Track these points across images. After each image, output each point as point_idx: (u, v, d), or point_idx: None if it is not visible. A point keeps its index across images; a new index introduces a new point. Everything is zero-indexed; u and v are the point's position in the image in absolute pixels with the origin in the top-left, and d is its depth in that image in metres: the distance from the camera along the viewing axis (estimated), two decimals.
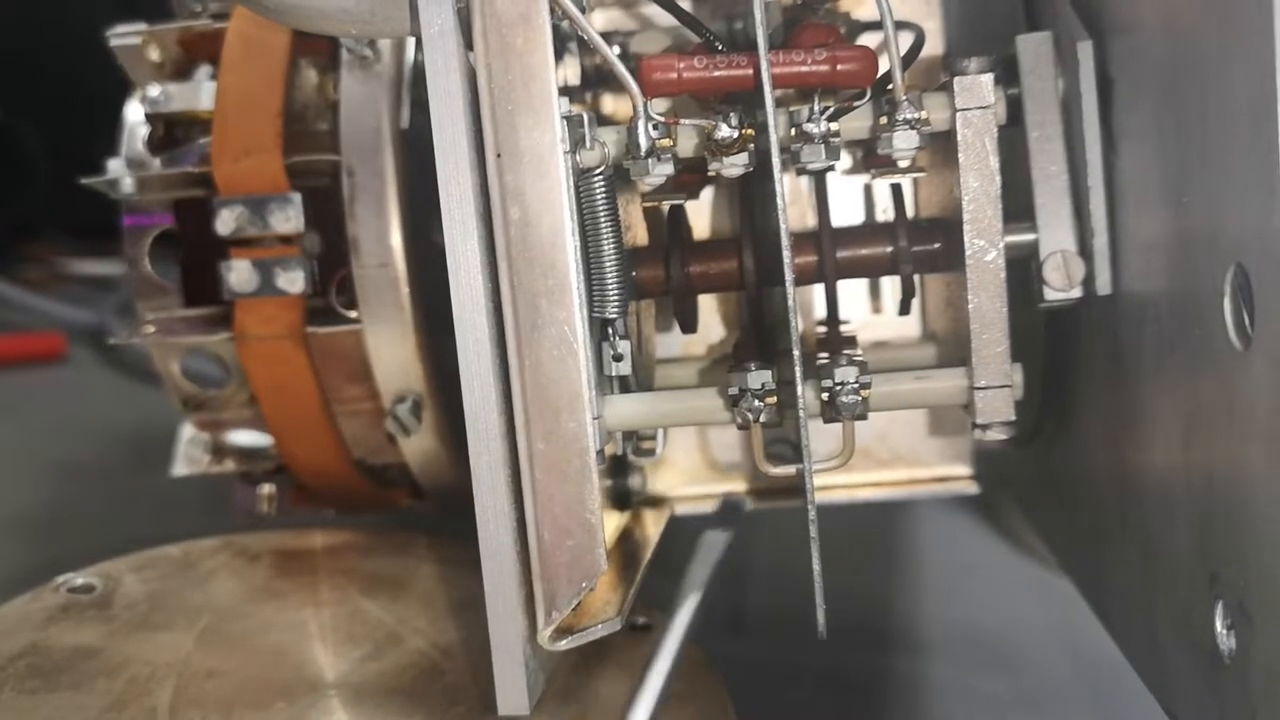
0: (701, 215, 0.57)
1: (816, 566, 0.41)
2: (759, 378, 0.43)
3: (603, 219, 0.43)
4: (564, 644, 0.42)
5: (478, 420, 0.41)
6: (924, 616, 0.68)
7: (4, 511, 0.79)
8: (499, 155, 0.40)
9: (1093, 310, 0.46)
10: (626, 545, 0.54)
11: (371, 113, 0.52)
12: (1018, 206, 0.47)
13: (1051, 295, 0.45)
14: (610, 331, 0.45)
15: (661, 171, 0.43)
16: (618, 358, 0.45)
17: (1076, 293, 0.45)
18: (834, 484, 0.59)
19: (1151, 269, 0.41)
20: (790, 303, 0.41)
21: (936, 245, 0.48)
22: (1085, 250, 0.45)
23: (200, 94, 0.56)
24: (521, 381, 0.41)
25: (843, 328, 0.52)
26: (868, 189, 0.57)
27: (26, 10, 1.31)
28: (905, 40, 0.50)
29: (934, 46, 0.57)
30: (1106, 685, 0.59)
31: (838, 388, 0.43)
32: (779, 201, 0.40)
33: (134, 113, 0.59)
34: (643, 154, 0.42)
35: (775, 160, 0.40)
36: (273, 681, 0.47)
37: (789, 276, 0.41)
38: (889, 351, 0.55)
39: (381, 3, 0.41)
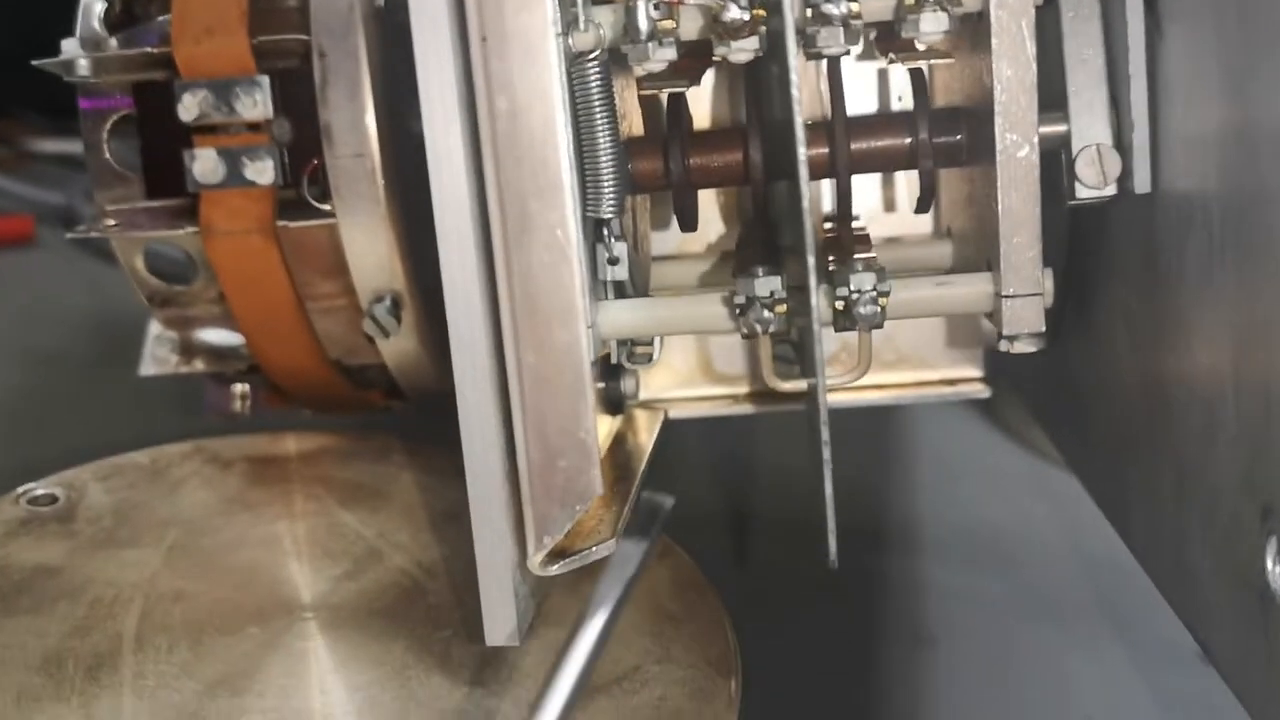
0: (702, 102, 0.53)
1: (828, 490, 0.38)
2: (767, 284, 0.40)
3: (597, 109, 0.39)
4: (556, 569, 0.40)
5: (462, 331, 0.38)
6: (923, 516, 0.66)
7: None
8: (484, 39, 0.36)
9: (1125, 209, 0.42)
10: (619, 454, 0.52)
11: None
12: (1048, 94, 0.43)
13: (1084, 193, 0.42)
14: (605, 232, 0.41)
15: (662, 57, 0.39)
16: (613, 261, 0.41)
17: (1111, 190, 0.42)
18: (839, 386, 0.56)
19: (1203, 167, 0.37)
20: (804, 204, 0.37)
21: (959, 137, 0.44)
22: (1122, 144, 0.41)
23: None
24: (509, 289, 0.37)
25: (855, 225, 0.49)
26: (882, 73, 0.53)
27: None
28: None
29: None
30: (1112, 586, 0.58)
31: (854, 295, 0.40)
32: (793, 93, 0.36)
33: None
34: (643, 38, 0.38)
35: (790, 46, 0.36)
36: (245, 603, 0.44)
37: (803, 174, 0.37)
38: (902, 250, 0.52)
39: None
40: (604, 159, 0.39)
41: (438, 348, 0.52)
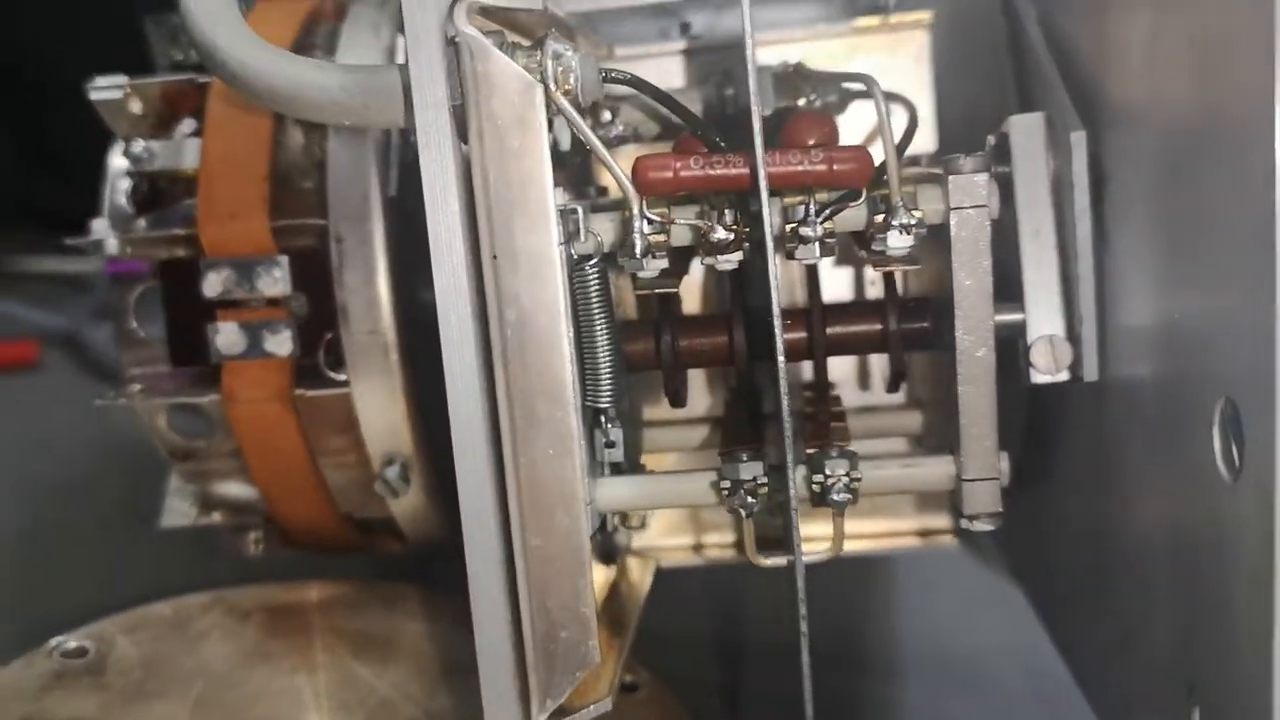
0: (691, 287, 0.57)
1: (805, 661, 0.42)
2: (750, 469, 0.44)
3: (596, 309, 0.43)
4: None
5: (474, 518, 0.41)
6: (896, 639, 0.69)
7: None
8: (495, 257, 0.40)
9: (1078, 390, 0.46)
10: (614, 604, 0.55)
11: (359, 179, 0.52)
12: (1009, 287, 0.47)
13: (1038, 378, 0.46)
14: (603, 419, 0.45)
15: (655, 266, 0.43)
16: (610, 445, 0.45)
17: (1063, 376, 0.46)
18: (816, 535, 0.60)
19: (1140, 371, 0.41)
20: (783, 406, 0.41)
21: (926, 324, 0.48)
22: (1073, 336, 0.45)
23: (184, 152, 0.55)
24: (517, 480, 0.41)
25: (830, 393, 0.53)
26: (858, 261, 0.57)
27: None
28: (898, 115, 0.51)
29: (923, 104, 0.57)
30: (1062, 705, 0.60)
31: (829, 481, 0.44)
32: (775, 311, 0.40)
33: (116, 162, 0.58)
34: (638, 254, 0.42)
35: (772, 269, 0.40)
36: None
37: (783, 376, 0.41)
38: (875, 418, 0.56)
39: (375, 96, 0.41)
40: (602, 354, 0.43)
41: (444, 501, 0.56)
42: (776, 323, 0.41)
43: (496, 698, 0.42)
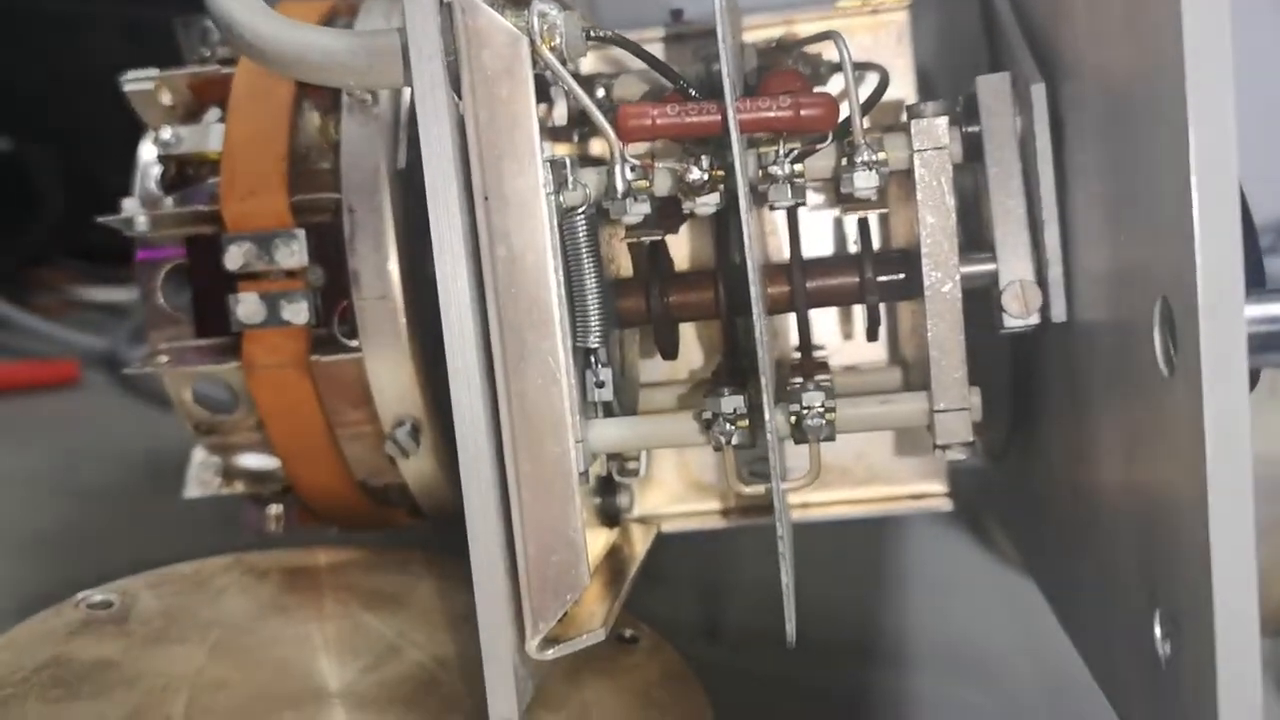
0: (682, 245, 0.60)
1: (786, 579, 0.44)
2: (731, 402, 0.46)
3: (584, 255, 0.46)
4: (550, 653, 0.45)
5: (469, 445, 0.44)
6: (907, 630, 0.70)
7: (21, 534, 0.81)
8: (486, 198, 0.43)
9: (1051, 336, 0.49)
10: (614, 561, 0.57)
11: (370, 154, 0.55)
12: (980, 238, 0.50)
13: (1010, 322, 0.48)
14: (593, 360, 0.48)
15: (638, 211, 0.46)
16: (600, 384, 0.48)
17: (1034, 320, 0.48)
18: (811, 501, 0.62)
19: (1098, 300, 0.43)
20: (760, 338, 0.43)
21: (901, 275, 0.50)
22: (1042, 280, 0.47)
23: (209, 136, 0.59)
24: (509, 409, 0.44)
25: (817, 354, 0.55)
26: (838, 221, 0.60)
27: (39, 40, 1.35)
28: (871, 81, 0.54)
29: (905, 84, 0.60)
30: (1070, 695, 0.62)
31: (805, 411, 0.46)
32: (746, 243, 0.43)
33: (147, 152, 0.62)
34: (620, 196, 0.45)
35: (743, 203, 0.43)
36: (280, 692, 0.50)
37: (759, 314, 0.44)
38: (859, 376, 0.58)
39: (377, 57, 0.45)
40: (590, 296, 0.46)
41: (454, 469, 0.58)
42: (751, 265, 0.43)
43: (493, 622, 0.45)
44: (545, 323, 0.43)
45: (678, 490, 0.64)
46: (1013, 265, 0.48)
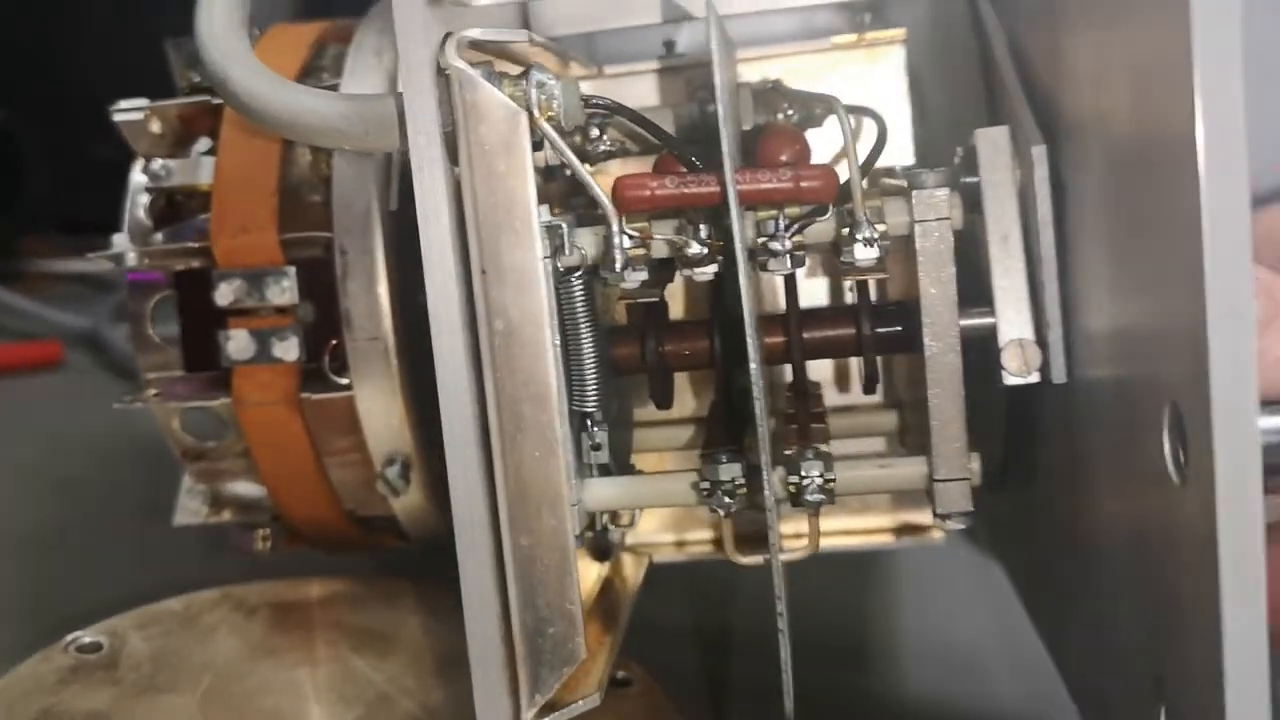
0: (677, 291, 0.59)
1: (784, 654, 0.44)
2: (729, 471, 0.46)
3: (581, 318, 0.45)
4: None
5: (464, 516, 0.43)
6: (897, 633, 0.70)
7: (6, 530, 0.81)
8: (484, 272, 0.42)
9: (1050, 391, 0.48)
10: (606, 600, 0.57)
11: (362, 194, 0.55)
12: (981, 291, 0.49)
13: (1010, 379, 0.47)
14: (589, 422, 0.47)
15: (635, 279, 0.45)
16: (596, 447, 0.47)
17: (1034, 378, 0.47)
18: (804, 533, 0.62)
19: (1100, 373, 0.43)
20: (760, 430, 0.43)
21: (899, 328, 0.50)
22: (1041, 340, 0.47)
23: (199, 169, 0.58)
24: (505, 481, 0.43)
25: (813, 389, 0.55)
26: (837, 269, 0.59)
27: (24, 10, 1.33)
28: (869, 127, 0.53)
29: (901, 116, 0.59)
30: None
31: (804, 481, 0.46)
32: (750, 336, 0.42)
33: (136, 179, 0.61)
34: (618, 267, 0.44)
35: (744, 282, 0.42)
36: None
37: (759, 396, 0.43)
38: (853, 417, 0.58)
39: (373, 124, 0.44)
40: (587, 361, 0.46)
41: (443, 500, 0.58)
42: (751, 342, 0.43)
43: (487, 692, 0.45)
44: (543, 396, 0.43)
45: (669, 518, 0.64)
46: (1012, 322, 0.47)
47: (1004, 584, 0.71)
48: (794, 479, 0.46)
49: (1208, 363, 0.33)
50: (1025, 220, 0.47)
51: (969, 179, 0.48)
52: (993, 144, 0.48)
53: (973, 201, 0.48)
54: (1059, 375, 0.47)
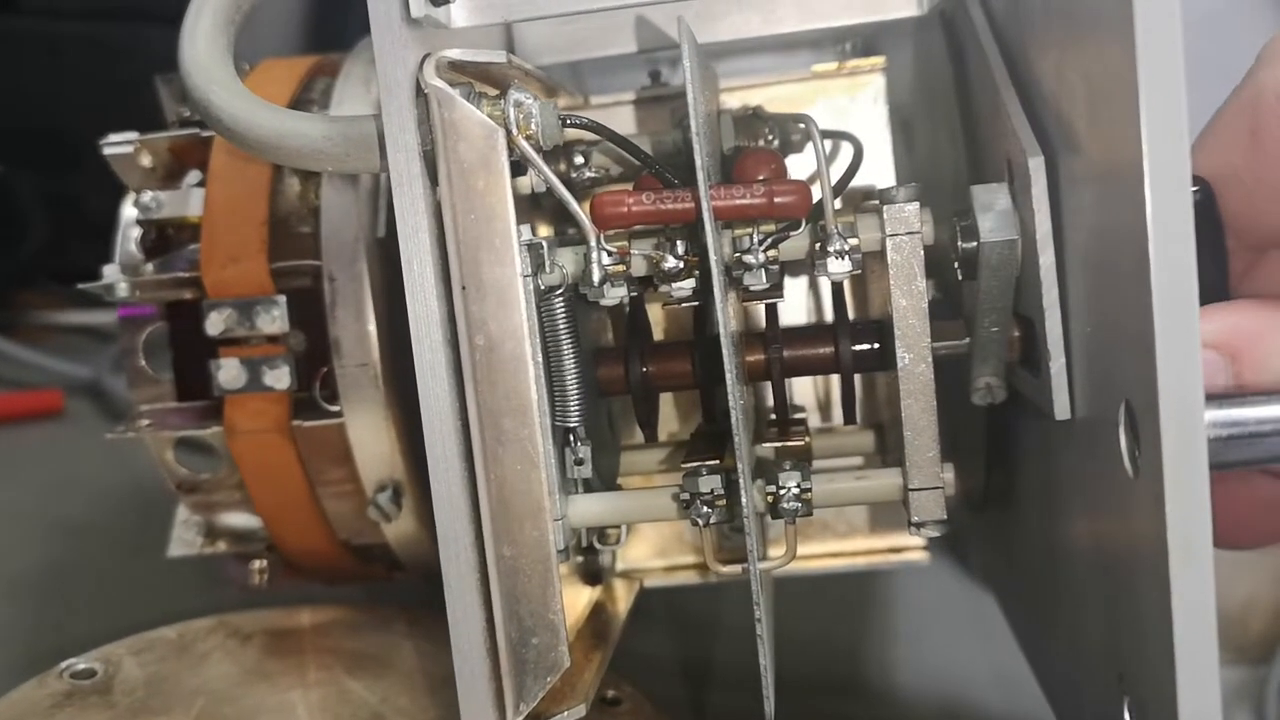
0: (658, 309, 0.60)
1: (764, 661, 0.45)
2: (708, 483, 0.47)
3: (563, 335, 0.46)
4: None
5: (448, 529, 0.44)
6: (889, 663, 0.71)
7: (5, 574, 0.81)
8: (464, 287, 0.43)
9: (1029, 412, 0.49)
10: (596, 622, 0.58)
11: (350, 223, 0.56)
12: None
13: (979, 400, 0.49)
14: (572, 438, 0.48)
15: (615, 294, 0.46)
16: (579, 462, 0.48)
17: (1002, 396, 0.48)
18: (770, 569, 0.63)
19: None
20: (737, 440, 0.44)
21: (876, 345, 0.51)
22: (1041, 373, 0.45)
23: (189, 201, 0.59)
24: (488, 494, 0.44)
25: (796, 414, 0.56)
26: (815, 285, 0.61)
27: (22, 63, 1.35)
28: (845, 151, 0.54)
29: (882, 143, 0.61)
30: None
31: (781, 492, 0.46)
32: (726, 350, 0.43)
33: (127, 213, 0.62)
34: (596, 282, 0.45)
35: (719, 304, 0.43)
36: None
37: (735, 411, 0.44)
38: (835, 439, 0.59)
39: (354, 144, 0.45)
40: (569, 376, 0.46)
41: (434, 528, 0.59)
42: (727, 353, 0.44)
43: (473, 703, 0.45)
44: (523, 410, 0.43)
45: (660, 544, 0.65)
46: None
47: (997, 617, 0.72)
48: (771, 489, 0.47)
49: (1155, 363, 0.34)
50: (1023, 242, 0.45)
51: (968, 244, 0.45)
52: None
53: (970, 268, 0.46)
54: (1061, 412, 0.43)
